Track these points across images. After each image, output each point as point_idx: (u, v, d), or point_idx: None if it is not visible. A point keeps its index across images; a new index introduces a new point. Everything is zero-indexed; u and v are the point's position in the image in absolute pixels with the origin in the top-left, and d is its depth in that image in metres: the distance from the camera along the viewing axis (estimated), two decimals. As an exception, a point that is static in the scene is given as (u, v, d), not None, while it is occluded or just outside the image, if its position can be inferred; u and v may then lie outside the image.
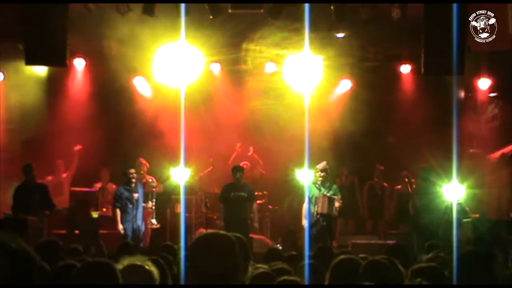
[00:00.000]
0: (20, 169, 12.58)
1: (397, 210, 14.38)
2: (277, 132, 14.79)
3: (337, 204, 12.89)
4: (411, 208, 12.92)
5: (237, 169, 13.42)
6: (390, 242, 12.81)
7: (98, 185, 14.54)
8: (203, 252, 3.29)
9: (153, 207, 13.36)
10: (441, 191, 12.31)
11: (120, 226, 12.67)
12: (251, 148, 15.59)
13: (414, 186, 13.60)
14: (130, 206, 12.74)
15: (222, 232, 3.51)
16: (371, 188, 15.17)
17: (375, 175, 15.12)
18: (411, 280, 4.44)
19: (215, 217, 13.90)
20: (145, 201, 13.20)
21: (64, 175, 14.59)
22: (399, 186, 14.53)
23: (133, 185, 12.84)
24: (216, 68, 15.92)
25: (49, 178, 14.22)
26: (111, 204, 13.31)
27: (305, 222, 12.73)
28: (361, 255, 7.01)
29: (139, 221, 12.79)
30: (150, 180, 13.83)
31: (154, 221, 13.36)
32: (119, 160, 14.31)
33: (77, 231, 12.80)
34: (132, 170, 13.01)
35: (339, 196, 13.03)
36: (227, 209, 13.18)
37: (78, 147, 14.58)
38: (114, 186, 14.25)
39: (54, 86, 15.09)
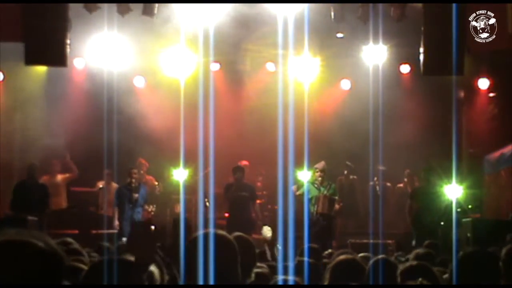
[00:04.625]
0: (20, 169, 12.58)
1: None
2: (277, 132, 14.76)
3: (337, 206, 12.90)
4: (408, 208, 12.91)
5: (236, 169, 13.42)
6: (390, 242, 12.84)
7: (100, 184, 14.53)
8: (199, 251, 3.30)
9: (153, 211, 13.33)
10: (441, 191, 12.32)
11: (116, 223, 12.73)
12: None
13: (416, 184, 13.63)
14: (129, 205, 12.76)
15: (220, 231, 3.51)
16: (372, 188, 15.18)
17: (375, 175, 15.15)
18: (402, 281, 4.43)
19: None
20: (147, 202, 13.21)
21: (60, 176, 14.42)
22: (400, 185, 14.55)
23: (133, 185, 12.86)
24: (216, 68, 15.90)
25: (45, 178, 14.13)
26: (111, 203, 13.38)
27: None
28: (361, 255, 7.02)
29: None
30: (157, 184, 13.85)
31: (152, 227, 13.33)
32: (118, 160, 14.29)
33: (77, 231, 12.81)
34: (135, 170, 13.04)
35: (338, 196, 13.05)
36: (229, 209, 13.19)
37: (67, 156, 14.41)
38: (115, 186, 14.26)
39: (54, 86, 15.08)
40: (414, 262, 4.65)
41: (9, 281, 1.96)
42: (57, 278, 2.02)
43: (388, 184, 15.20)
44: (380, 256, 4.97)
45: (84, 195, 14.43)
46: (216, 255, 3.26)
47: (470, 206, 12.59)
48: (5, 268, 1.98)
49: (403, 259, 7.10)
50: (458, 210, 11.90)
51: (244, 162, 15.14)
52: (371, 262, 4.85)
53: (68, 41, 11.43)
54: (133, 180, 12.88)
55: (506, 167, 13.16)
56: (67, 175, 14.42)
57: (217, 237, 3.37)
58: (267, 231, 13.35)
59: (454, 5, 10.62)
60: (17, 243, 2.02)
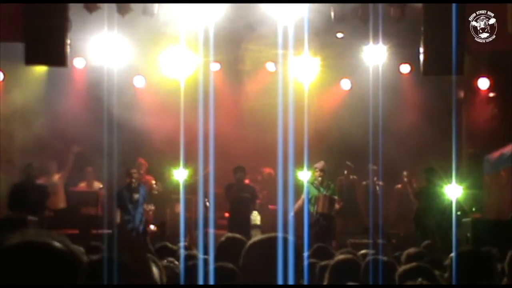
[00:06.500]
0: (20, 169, 12.58)
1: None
2: (277, 132, 14.76)
3: (337, 206, 12.91)
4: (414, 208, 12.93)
5: (237, 169, 13.40)
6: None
7: (83, 184, 14.55)
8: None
9: (151, 210, 13.37)
10: (441, 191, 12.32)
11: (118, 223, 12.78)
12: None
13: (414, 186, 13.62)
14: (130, 206, 12.77)
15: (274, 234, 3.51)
16: (367, 188, 15.19)
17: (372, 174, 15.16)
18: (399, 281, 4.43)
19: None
20: (148, 202, 13.25)
21: (57, 176, 14.41)
22: (399, 186, 14.50)
23: (133, 185, 12.86)
24: (216, 68, 15.89)
25: (43, 178, 14.11)
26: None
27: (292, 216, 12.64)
28: (361, 252, 7.03)
29: (137, 222, 12.78)
30: (154, 182, 13.84)
31: (152, 226, 13.40)
32: (118, 160, 14.29)
33: (76, 231, 12.84)
34: (134, 170, 13.04)
35: (337, 196, 13.06)
36: (230, 209, 13.19)
37: (77, 149, 14.42)
38: (98, 184, 14.24)
39: (54, 86, 15.08)
40: (413, 264, 4.65)
41: (27, 282, 1.99)
42: (75, 278, 2.05)
43: (380, 183, 15.19)
44: (373, 256, 4.98)
45: (84, 195, 14.43)
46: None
47: (474, 209, 12.60)
48: (24, 268, 2.01)
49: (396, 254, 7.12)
50: (459, 213, 11.90)
51: (268, 170, 15.12)
52: (365, 261, 4.86)
53: (68, 41, 11.44)
54: (133, 180, 12.88)
55: (506, 167, 13.16)
56: (63, 172, 14.41)
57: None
58: (256, 217, 13.40)
59: (454, 5, 10.62)
60: (36, 244, 2.04)
